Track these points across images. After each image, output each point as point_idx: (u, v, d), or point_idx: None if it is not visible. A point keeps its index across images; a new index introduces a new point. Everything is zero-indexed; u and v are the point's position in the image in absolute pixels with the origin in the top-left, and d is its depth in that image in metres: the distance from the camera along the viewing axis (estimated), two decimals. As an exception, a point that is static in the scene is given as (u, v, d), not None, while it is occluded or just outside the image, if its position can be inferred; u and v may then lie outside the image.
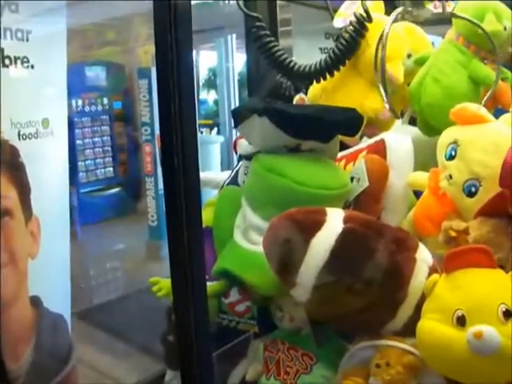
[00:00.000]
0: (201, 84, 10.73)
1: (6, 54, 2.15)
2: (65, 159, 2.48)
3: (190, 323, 1.44)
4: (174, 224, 1.43)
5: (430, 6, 2.14)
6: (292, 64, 1.79)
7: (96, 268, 6.41)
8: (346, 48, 1.76)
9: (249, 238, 1.65)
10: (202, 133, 8.72)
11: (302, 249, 1.37)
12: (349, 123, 1.66)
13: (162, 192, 5.94)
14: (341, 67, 1.80)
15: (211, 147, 7.91)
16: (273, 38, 1.81)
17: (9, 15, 2.15)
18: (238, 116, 1.70)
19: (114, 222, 7.47)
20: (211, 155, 7.85)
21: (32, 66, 2.26)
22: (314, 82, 1.86)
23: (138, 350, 4.12)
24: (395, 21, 1.72)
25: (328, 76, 1.82)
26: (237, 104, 8.17)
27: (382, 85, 1.52)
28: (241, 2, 1.74)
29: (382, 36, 1.71)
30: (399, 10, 1.61)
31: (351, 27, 1.76)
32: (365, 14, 1.77)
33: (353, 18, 1.79)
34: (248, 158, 1.85)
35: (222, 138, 8.30)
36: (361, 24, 1.76)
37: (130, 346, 4.26)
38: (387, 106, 1.63)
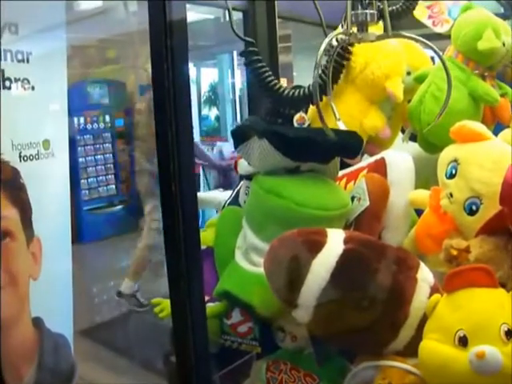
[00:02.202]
0: (202, 100, 10.74)
1: (6, 75, 2.16)
2: (66, 180, 2.48)
3: (189, 347, 1.43)
4: (171, 248, 1.43)
5: (428, 22, 2.15)
6: (281, 90, 1.77)
7: (100, 285, 6.39)
8: (333, 73, 1.75)
9: (250, 259, 1.65)
10: (204, 149, 8.73)
11: (303, 270, 1.37)
12: (348, 147, 1.66)
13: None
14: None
15: (213, 163, 7.92)
16: (264, 64, 1.79)
17: (9, 36, 2.16)
18: (238, 137, 1.70)
19: (117, 240, 7.45)
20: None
21: (33, 88, 2.26)
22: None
23: (141, 367, 4.11)
24: (339, 45, 1.69)
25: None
26: (238, 120, 8.18)
27: (317, 110, 1.49)
28: (234, 26, 1.73)
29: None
30: (337, 31, 1.58)
31: (336, 53, 1.75)
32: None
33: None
34: (248, 177, 1.84)
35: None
36: (343, 49, 1.75)
37: (134, 364, 4.25)
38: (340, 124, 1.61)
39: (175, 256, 1.41)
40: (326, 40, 1.53)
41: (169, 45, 1.34)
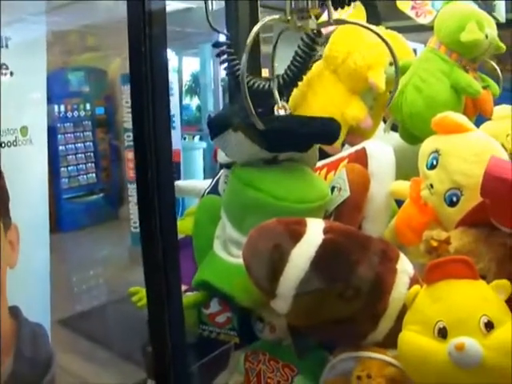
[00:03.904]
0: (184, 90, 10.71)
1: (-16, 61, 2.13)
2: (44, 167, 2.46)
3: (165, 337, 1.42)
4: (147, 237, 1.41)
5: (411, 13, 2.15)
6: (251, 82, 1.75)
7: (79, 274, 6.38)
8: (301, 64, 1.73)
9: (228, 250, 1.64)
10: (185, 139, 8.71)
11: (282, 260, 1.35)
12: (325, 134, 1.64)
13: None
14: (299, 83, 1.76)
15: (194, 153, 7.92)
16: (235, 57, 1.76)
17: (-13, 21, 2.13)
18: (214, 129, 1.67)
19: (97, 228, 7.44)
20: (194, 161, 7.86)
21: (11, 73, 2.24)
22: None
23: (121, 358, 4.10)
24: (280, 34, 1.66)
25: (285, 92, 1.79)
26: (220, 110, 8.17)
27: (244, 97, 1.46)
28: (210, 17, 1.71)
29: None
30: (271, 17, 1.54)
31: (303, 43, 1.73)
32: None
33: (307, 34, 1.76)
34: (228, 166, 1.83)
35: (205, 143, 8.31)
36: (311, 39, 1.73)
37: (113, 354, 4.24)
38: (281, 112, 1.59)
39: (151, 246, 1.40)
40: (258, 25, 1.49)
41: (147, 33, 1.32)
